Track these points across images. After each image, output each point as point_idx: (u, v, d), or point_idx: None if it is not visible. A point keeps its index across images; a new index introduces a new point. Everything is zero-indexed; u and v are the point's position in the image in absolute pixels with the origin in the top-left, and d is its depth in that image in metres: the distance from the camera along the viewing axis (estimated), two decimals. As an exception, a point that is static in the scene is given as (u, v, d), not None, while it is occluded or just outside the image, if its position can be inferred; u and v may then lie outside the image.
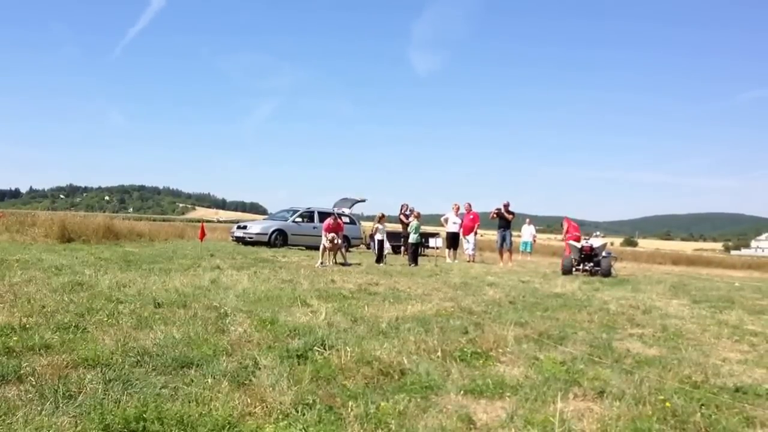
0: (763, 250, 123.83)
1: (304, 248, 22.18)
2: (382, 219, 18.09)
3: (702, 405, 3.99)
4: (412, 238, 17.36)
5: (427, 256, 22.35)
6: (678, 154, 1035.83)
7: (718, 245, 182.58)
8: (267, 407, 3.57)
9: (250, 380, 4.08)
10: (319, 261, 15.60)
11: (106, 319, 5.82)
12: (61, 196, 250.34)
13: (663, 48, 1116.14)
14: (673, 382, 4.61)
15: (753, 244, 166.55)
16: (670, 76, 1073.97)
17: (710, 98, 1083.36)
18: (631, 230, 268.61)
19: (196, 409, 3.47)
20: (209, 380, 4.01)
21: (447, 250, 21.01)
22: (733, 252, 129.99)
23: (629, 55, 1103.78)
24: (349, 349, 4.89)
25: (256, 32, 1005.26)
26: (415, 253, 17.42)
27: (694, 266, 36.28)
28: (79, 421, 3.23)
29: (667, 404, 3.90)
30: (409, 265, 16.65)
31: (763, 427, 3.70)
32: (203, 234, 17.21)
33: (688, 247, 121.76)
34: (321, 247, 16.20)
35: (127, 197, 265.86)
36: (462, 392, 4.12)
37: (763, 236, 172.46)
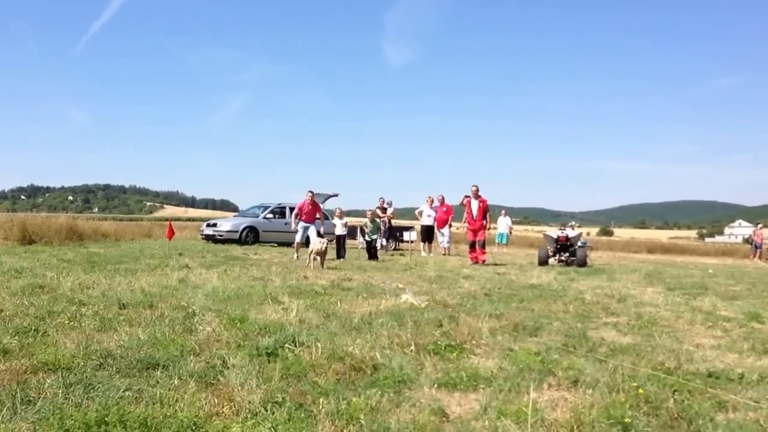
0: (736, 237, 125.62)
1: (276, 245, 22.04)
2: (339, 214, 18.02)
3: (675, 391, 3.97)
4: (368, 236, 17.46)
5: (402, 250, 22.32)
6: (651, 142, 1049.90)
7: (693, 233, 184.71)
8: (235, 406, 3.46)
9: (218, 380, 3.96)
10: (295, 255, 15.52)
11: (67, 321, 5.64)
12: (22, 197, 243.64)
13: (637, 35, 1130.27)
14: (647, 369, 4.58)
15: (726, 230, 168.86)
16: (643, 63, 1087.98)
17: (683, 85, 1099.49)
18: (606, 219, 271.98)
19: (160, 410, 3.35)
20: (175, 381, 3.89)
21: (422, 244, 20.97)
22: (707, 239, 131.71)
23: (603, 42, 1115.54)
24: (320, 346, 4.80)
25: (224, 26, 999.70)
26: (369, 249, 17.46)
27: (668, 254, 36.79)
28: (38, 427, 3.11)
29: (641, 391, 3.87)
30: (369, 259, 16.74)
31: (735, 411, 3.68)
32: (171, 233, 16.94)
33: (663, 236, 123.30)
34: (295, 243, 16.11)
35: (91, 197, 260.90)
36: (435, 386, 4.04)
37: (737, 223, 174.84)
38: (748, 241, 44.47)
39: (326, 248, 13.32)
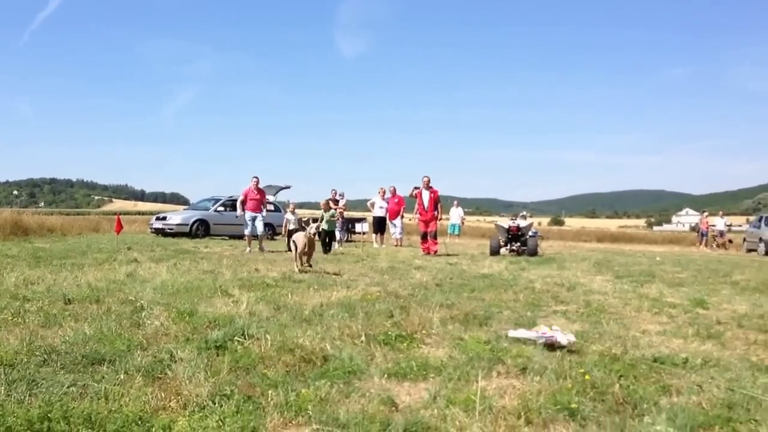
0: (683, 225, 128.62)
1: (227, 238, 21.83)
2: (292, 209, 17.79)
3: (621, 376, 4.05)
4: (323, 225, 16.45)
5: (354, 241, 22.29)
6: (601, 132, 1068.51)
7: (641, 221, 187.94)
8: (182, 400, 3.42)
9: (166, 374, 3.91)
10: (248, 249, 15.38)
11: (10, 318, 5.50)
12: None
13: (585, 23, 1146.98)
14: (594, 355, 4.67)
15: (674, 219, 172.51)
16: (594, 52, 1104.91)
17: (633, 75, 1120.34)
18: (557, 209, 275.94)
19: (105, 405, 3.29)
20: (121, 376, 3.83)
21: (374, 235, 20.99)
22: (655, 228, 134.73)
23: (552, 31, 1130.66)
24: (269, 338, 4.78)
25: (174, 16, 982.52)
26: (324, 241, 16.66)
27: (618, 243, 37.65)
28: (-21, 424, 3.02)
29: (587, 377, 3.94)
30: (324, 252, 16.13)
31: (678, 394, 3.77)
32: (119, 227, 16.59)
33: (612, 224, 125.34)
34: (246, 235, 15.94)
35: (37, 191, 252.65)
36: (385, 376, 4.05)
37: (684, 211, 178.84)
38: (694, 229, 45.67)
39: (314, 242, 11.15)
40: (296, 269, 10.30)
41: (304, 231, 11.57)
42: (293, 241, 11.20)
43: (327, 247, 16.35)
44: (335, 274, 9.61)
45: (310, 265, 11.09)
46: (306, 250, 10.93)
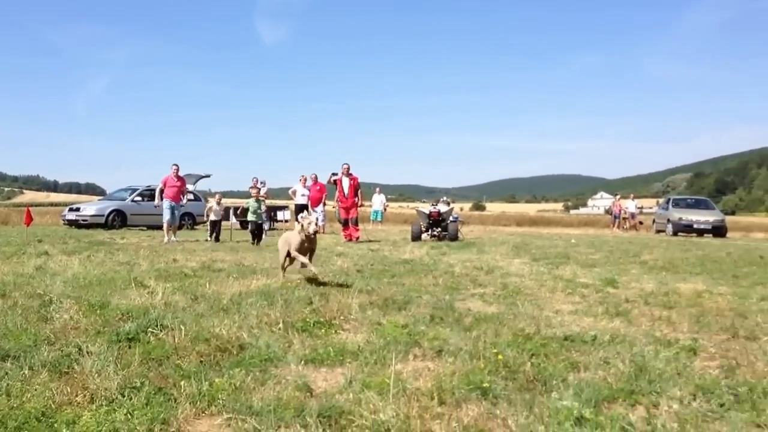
0: (598, 208, 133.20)
1: (145, 228, 21.29)
2: (218, 199, 17.49)
3: (532, 355, 4.15)
4: (250, 216, 15.83)
5: (277, 229, 22.10)
6: (520, 117, 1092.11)
7: (559, 205, 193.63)
8: (89, 394, 3.30)
9: (73, 368, 3.76)
10: (166, 238, 15.04)
11: None
12: None
13: (502, 6, 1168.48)
14: (508, 336, 4.77)
15: (590, 202, 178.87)
16: (513, 38, 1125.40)
17: (548, 61, 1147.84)
18: (479, 195, 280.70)
19: (6, 402, 3.16)
20: (26, 372, 3.67)
21: (296, 223, 20.84)
22: (572, 211, 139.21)
23: (474, 19, 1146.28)
24: (184, 328, 4.68)
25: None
26: (254, 232, 15.81)
27: (536, 226, 38.64)
28: None
29: (500, 357, 4.02)
30: (253, 243, 15.31)
31: (586, 370, 3.89)
32: (29, 219, 15.94)
33: (531, 209, 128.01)
34: (165, 224, 15.58)
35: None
36: (302, 362, 4.04)
37: (598, 195, 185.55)
38: (608, 212, 47.40)
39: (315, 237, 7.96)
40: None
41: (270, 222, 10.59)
42: (285, 241, 8.33)
43: (257, 239, 15.65)
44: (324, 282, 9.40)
45: (314, 277, 7.77)
46: (301, 248, 7.75)
